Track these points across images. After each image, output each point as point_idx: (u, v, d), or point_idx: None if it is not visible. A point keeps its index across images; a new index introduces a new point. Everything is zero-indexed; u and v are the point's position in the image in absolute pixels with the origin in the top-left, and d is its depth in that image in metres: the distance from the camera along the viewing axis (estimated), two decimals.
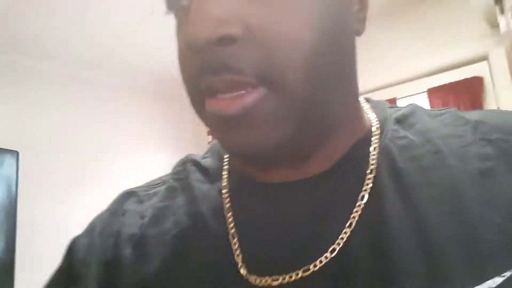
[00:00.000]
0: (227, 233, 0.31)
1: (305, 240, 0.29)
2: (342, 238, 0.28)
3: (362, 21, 0.31)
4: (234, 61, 0.25)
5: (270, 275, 0.28)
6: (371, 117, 0.34)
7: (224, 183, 0.35)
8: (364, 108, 0.35)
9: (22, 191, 2.15)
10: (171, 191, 0.37)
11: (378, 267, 0.26)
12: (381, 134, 0.33)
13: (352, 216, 0.28)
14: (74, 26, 2.18)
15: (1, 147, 2.11)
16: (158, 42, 2.45)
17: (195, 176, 0.37)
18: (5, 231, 1.99)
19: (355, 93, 0.33)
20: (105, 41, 2.43)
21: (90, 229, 0.37)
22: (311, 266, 0.27)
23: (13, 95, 2.42)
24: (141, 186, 0.40)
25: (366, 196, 0.29)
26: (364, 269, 0.26)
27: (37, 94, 2.53)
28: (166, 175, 0.40)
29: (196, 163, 0.39)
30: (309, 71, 0.26)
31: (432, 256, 0.25)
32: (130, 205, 0.38)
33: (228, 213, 0.32)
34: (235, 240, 0.31)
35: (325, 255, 0.28)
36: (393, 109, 0.36)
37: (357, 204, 0.29)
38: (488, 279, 0.24)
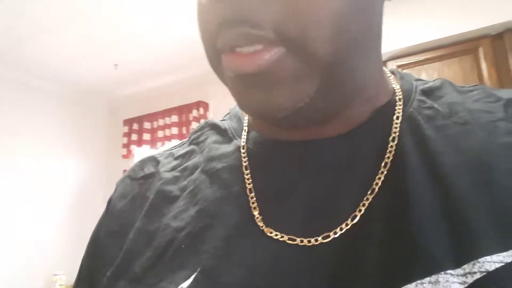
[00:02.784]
0: (245, 188, 0.31)
1: (324, 204, 0.28)
2: (364, 205, 0.27)
3: None
4: (252, 13, 0.24)
5: (286, 234, 0.28)
6: (395, 87, 0.34)
7: (243, 141, 0.35)
8: (389, 79, 0.35)
9: None
10: (189, 153, 0.38)
11: (401, 235, 0.25)
12: (405, 103, 0.32)
13: (374, 182, 0.28)
14: None
15: None
16: (70, 46, 2.54)
17: (213, 138, 0.38)
18: None
19: (379, 60, 0.33)
20: (7, 34, 2.40)
21: (112, 199, 0.40)
22: (331, 233, 0.27)
23: None
24: (160, 152, 0.42)
25: (389, 163, 0.28)
26: (386, 237, 0.25)
27: None
28: (185, 140, 0.41)
29: (215, 126, 0.39)
30: (334, 31, 0.24)
31: (456, 223, 0.25)
32: (150, 168, 0.39)
33: (246, 170, 0.33)
34: (252, 194, 0.31)
35: (346, 222, 0.27)
36: (420, 82, 0.36)
37: (379, 171, 0.28)
38: None
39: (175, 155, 0.39)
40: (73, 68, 2.90)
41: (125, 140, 3.37)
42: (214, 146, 0.37)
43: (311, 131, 0.31)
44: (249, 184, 0.31)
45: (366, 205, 0.27)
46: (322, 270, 0.26)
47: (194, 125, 2.92)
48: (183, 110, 3.04)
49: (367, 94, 0.31)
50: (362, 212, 0.27)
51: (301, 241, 0.27)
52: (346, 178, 0.29)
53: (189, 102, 3.00)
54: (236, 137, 0.36)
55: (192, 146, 0.39)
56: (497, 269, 0.23)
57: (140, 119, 3.31)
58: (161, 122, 3.17)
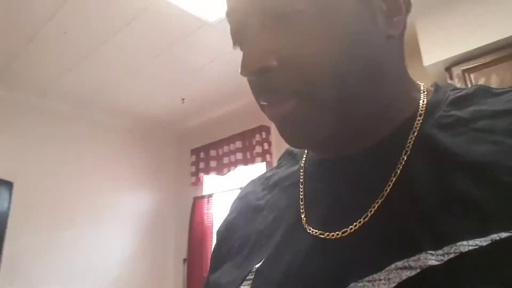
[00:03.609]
0: (299, 197, 0.42)
1: (344, 207, 0.37)
2: (374, 207, 0.34)
3: (397, 25, 0.36)
4: (272, 85, 0.34)
5: (318, 230, 0.37)
6: (422, 103, 0.39)
7: (303, 162, 0.46)
8: (423, 93, 0.40)
9: (10, 223, 2.33)
10: (273, 175, 0.52)
11: (396, 229, 0.31)
12: (427, 117, 0.37)
13: (385, 189, 0.34)
14: (69, 65, 2.52)
15: None
16: (145, 86, 2.82)
17: (288, 162, 0.51)
18: None
19: (400, 82, 0.39)
20: (96, 81, 2.76)
21: (229, 213, 0.54)
22: (348, 229, 0.35)
23: (9, 129, 2.76)
24: (258, 176, 0.56)
25: (398, 173, 0.34)
26: (385, 230, 0.32)
27: (30, 128, 2.88)
28: (274, 166, 0.55)
29: (290, 152, 0.52)
30: (336, 84, 0.33)
31: (447, 216, 0.29)
32: (249, 188, 0.54)
33: (301, 184, 0.44)
34: (302, 202, 0.42)
35: (359, 220, 0.34)
36: (454, 91, 0.39)
37: (390, 180, 0.34)
38: (493, 234, 0.26)
39: (265, 177, 0.53)
40: (143, 105, 3.20)
41: (193, 168, 3.55)
42: (288, 168, 0.50)
43: (342, 150, 0.39)
44: (301, 194, 0.42)
45: (376, 207, 0.34)
46: (337, 256, 0.34)
47: (258, 149, 3.01)
48: (246, 135, 3.15)
49: (389, 115, 0.38)
50: (372, 212, 0.34)
51: (327, 235, 0.36)
52: (363, 187, 0.37)
53: (251, 127, 3.11)
54: (300, 159, 0.48)
55: (276, 170, 0.53)
56: (470, 251, 0.26)
57: (206, 148, 3.49)
58: (226, 148, 3.31)
